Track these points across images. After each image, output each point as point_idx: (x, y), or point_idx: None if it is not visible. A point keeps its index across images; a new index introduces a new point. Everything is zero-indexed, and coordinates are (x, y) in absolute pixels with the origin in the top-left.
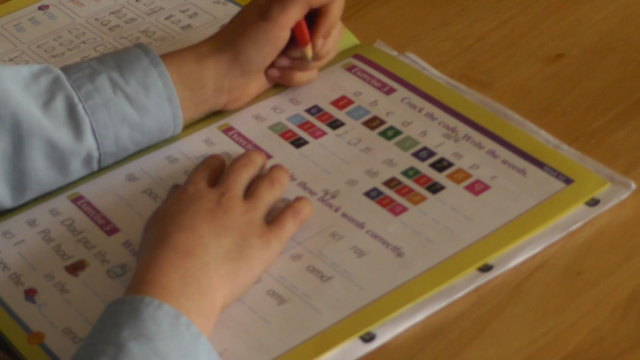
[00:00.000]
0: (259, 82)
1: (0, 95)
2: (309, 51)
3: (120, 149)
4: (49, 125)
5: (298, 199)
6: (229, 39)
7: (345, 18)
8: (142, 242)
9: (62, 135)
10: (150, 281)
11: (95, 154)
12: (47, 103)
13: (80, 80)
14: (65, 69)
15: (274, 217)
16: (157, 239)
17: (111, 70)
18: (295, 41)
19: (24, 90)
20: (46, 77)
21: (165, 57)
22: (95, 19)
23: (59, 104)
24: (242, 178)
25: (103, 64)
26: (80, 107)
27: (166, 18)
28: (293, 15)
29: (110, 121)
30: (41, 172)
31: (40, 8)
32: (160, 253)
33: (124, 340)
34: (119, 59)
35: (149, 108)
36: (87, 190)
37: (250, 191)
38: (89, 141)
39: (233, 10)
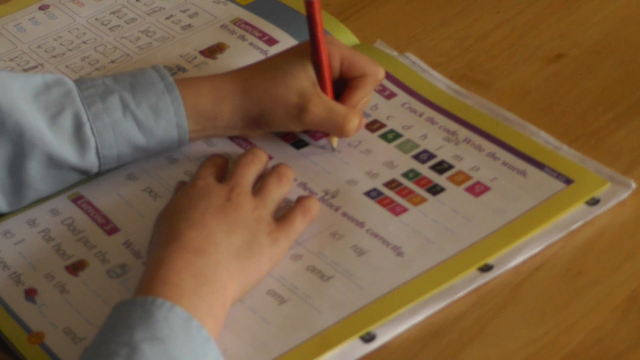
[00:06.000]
0: None
1: (6, 104)
2: (333, 141)
3: (120, 163)
4: (52, 140)
5: (306, 197)
6: (255, 99)
7: (345, 18)
8: (152, 238)
9: (65, 152)
10: (163, 280)
11: (95, 170)
12: (54, 116)
13: (92, 98)
14: (80, 83)
15: (283, 215)
16: (168, 235)
17: (124, 90)
18: None
19: (32, 100)
20: (58, 90)
21: (182, 85)
22: (96, 19)
23: (67, 119)
24: (250, 174)
25: (117, 83)
26: (87, 127)
27: (166, 18)
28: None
29: (116, 143)
30: (39, 182)
31: (40, 8)
32: (172, 250)
33: (138, 342)
34: (134, 80)
35: (156, 133)
36: (87, 189)
37: (258, 187)
38: (91, 160)
39: (233, 10)
